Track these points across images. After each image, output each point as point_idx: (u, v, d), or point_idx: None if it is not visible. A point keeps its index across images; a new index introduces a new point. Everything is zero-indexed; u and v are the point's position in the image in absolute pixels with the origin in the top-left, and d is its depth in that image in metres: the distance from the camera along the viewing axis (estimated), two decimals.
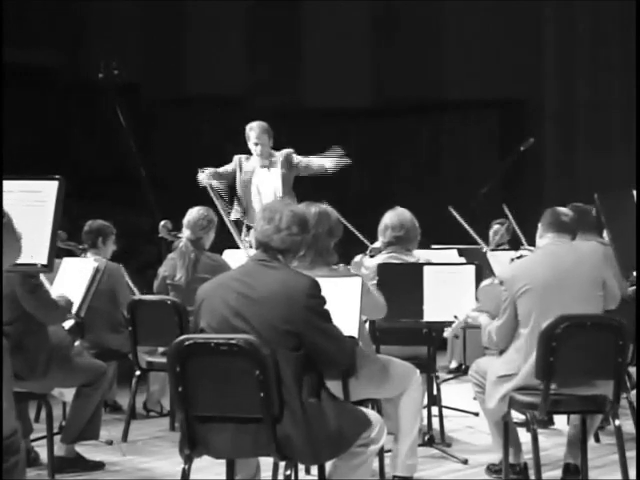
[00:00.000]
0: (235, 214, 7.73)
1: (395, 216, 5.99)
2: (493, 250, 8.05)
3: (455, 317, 5.47)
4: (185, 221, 6.83)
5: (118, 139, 8.44)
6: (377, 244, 6.24)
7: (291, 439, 3.74)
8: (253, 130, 7.68)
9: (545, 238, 5.02)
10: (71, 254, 6.58)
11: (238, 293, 3.86)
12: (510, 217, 7.93)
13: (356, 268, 5.81)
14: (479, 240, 7.67)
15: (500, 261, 6.67)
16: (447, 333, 5.64)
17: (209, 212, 6.77)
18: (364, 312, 4.53)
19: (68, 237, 6.92)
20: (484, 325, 5.10)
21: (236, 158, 7.76)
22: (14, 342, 5.03)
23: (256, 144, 7.66)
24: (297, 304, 3.79)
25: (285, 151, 7.78)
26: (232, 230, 6.52)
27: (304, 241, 4.05)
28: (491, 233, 9.04)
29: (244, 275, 3.93)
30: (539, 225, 5.07)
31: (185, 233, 6.79)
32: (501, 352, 5.05)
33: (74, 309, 5.49)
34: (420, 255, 6.17)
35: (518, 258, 5.77)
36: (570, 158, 12.42)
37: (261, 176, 7.72)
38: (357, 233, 7.29)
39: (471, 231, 7.62)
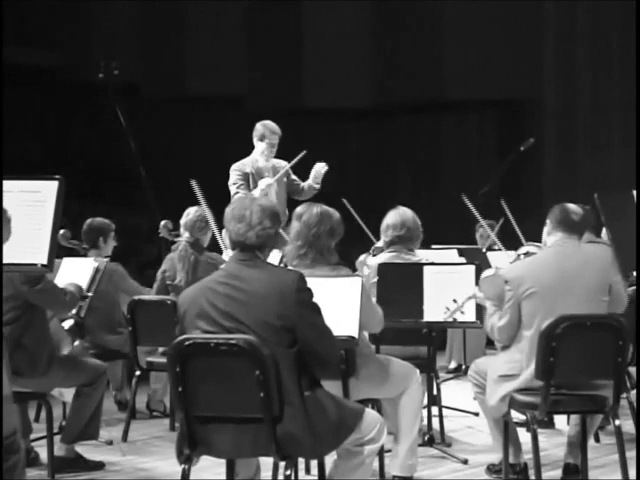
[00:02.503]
0: None
1: (397, 215, 5.99)
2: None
3: (454, 301, 5.46)
4: (182, 223, 6.83)
5: (118, 139, 8.44)
6: (380, 243, 6.24)
7: (293, 435, 3.75)
8: (275, 135, 7.58)
9: (553, 236, 4.97)
10: (74, 253, 6.59)
11: (226, 296, 3.85)
12: (509, 213, 7.89)
13: (360, 267, 5.81)
14: (489, 231, 7.57)
15: (500, 261, 6.66)
16: (445, 315, 5.58)
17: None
18: (362, 321, 4.51)
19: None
20: (489, 313, 5.08)
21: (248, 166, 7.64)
22: (15, 341, 5.04)
23: (272, 148, 7.62)
24: (288, 299, 3.80)
25: (285, 163, 7.76)
26: (215, 231, 6.46)
27: (278, 234, 4.05)
28: (478, 237, 8.86)
29: (229, 278, 3.91)
30: (547, 221, 5.00)
31: (183, 235, 6.80)
32: (503, 348, 5.05)
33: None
34: (422, 255, 6.16)
35: (525, 254, 5.73)
36: (570, 158, 12.41)
37: (266, 179, 7.65)
38: (365, 229, 7.28)
39: (482, 221, 7.52)
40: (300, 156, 7.45)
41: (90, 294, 5.68)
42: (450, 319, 5.56)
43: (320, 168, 7.67)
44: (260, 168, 7.58)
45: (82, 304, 5.58)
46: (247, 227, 3.93)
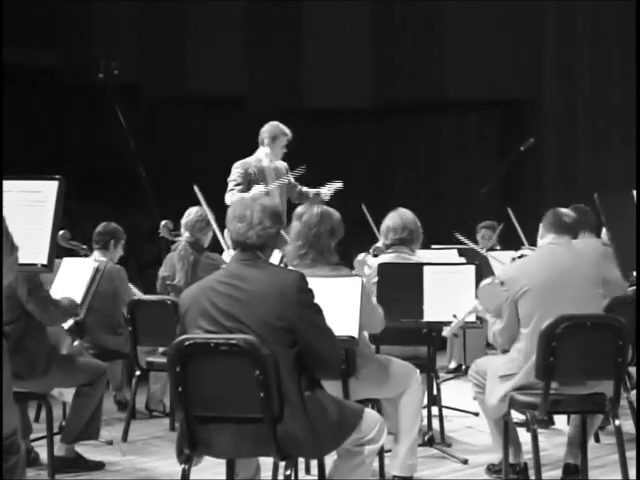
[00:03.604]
0: None
1: (397, 217, 5.98)
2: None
3: (454, 316, 5.46)
4: (183, 223, 6.83)
5: (118, 139, 8.44)
6: (380, 244, 6.24)
7: (293, 435, 3.75)
8: (286, 137, 7.54)
9: (546, 238, 5.04)
10: (73, 254, 6.59)
11: (227, 296, 3.84)
12: (513, 218, 7.89)
13: (359, 266, 5.80)
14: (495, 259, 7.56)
15: (500, 261, 6.67)
16: (446, 332, 5.62)
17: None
18: (362, 321, 4.50)
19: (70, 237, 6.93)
20: (490, 323, 5.10)
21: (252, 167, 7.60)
22: (14, 342, 5.03)
23: (283, 150, 7.57)
24: (289, 300, 3.79)
25: (285, 164, 7.73)
26: (217, 231, 6.46)
27: (279, 234, 4.05)
28: (479, 238, 8.89)
29: (230, 277, 3.90)
30: (540, 226, 5.08)
31: (184, 235, 6.80)
32: (504, 352, 5.06)
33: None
34: (422, 255, 6.16)
35: (519, 257, 5.76)
36: (570, 158, 12.43)
37: (271, 179, 7.61)
38: (376, 232, 7.28)
39: (486, 254, 7.49)
40: (298, 171, 7.41)
41: (80, 316, 5.66)
42: (450, 335, 5.58)
43: (335, 185, 7.57)
44: (263, 168, 7.54)
45: (75, 318, 5.57)
46: (248, 227, 3.93)
